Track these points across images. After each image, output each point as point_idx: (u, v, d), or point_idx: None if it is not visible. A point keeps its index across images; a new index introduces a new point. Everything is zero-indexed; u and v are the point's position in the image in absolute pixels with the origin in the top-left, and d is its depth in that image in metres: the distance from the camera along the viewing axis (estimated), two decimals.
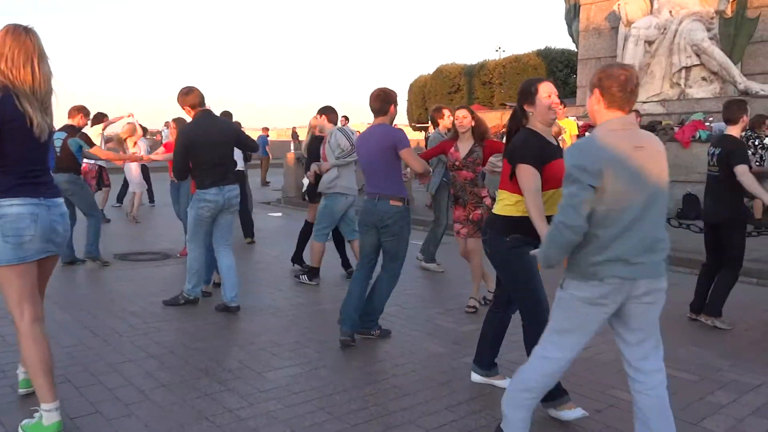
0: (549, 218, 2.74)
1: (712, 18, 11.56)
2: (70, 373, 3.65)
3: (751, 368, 3.90)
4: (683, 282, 5.46)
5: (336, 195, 5.77)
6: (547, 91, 3.11)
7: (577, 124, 10.02)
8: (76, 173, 6.59)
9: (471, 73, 24.96)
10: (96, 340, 4.24)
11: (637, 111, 10.37)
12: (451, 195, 5.40)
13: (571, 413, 3.12)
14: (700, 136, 9.71)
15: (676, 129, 10.31)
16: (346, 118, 14.54)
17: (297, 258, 6.66)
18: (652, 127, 10.50)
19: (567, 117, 9.90)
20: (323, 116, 6.14)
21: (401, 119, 28.95)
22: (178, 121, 7.32)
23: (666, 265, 2.50)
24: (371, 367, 3.85)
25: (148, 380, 3.57)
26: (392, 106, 4.33)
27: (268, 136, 19.07)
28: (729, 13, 11.41)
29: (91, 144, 6.70)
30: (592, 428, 3.08)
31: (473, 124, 5.03)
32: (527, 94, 3.15)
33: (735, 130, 4.74)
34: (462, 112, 5.09)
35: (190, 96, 4.95)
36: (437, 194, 6.60)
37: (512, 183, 3.13)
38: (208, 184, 4.89)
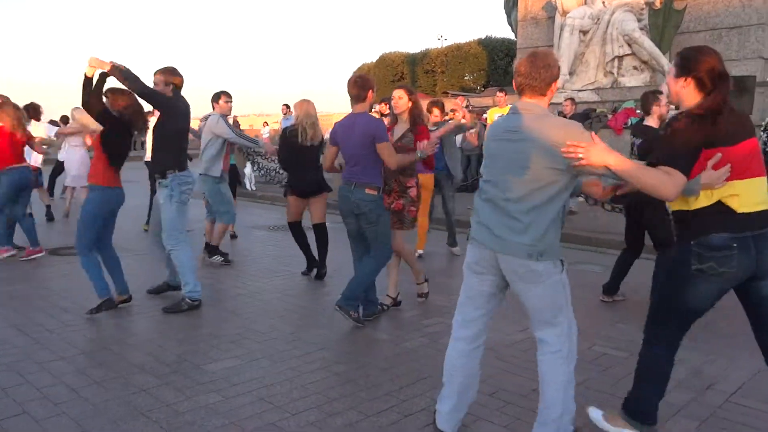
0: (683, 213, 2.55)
1: (642, 9, 12.00)
2: None
3: None
4: (612, 264, 5.67)
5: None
6: None
7: None
8: None
9: (414, 61, 25.08)
10: (24, 339, 4.06)
11: (572, 99, 10.68)
12: None
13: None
14: (631, 123, 10.10)
15: (610, 116, 10.68)
16: (287, 107, 14.36)
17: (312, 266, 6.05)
18: (586, 114, 10.84)
19: (507, 105, 10.11)
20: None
21: (345, 107, 28.81)
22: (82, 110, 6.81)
23: (533, 251, 2.48)
24: (312, 355, 3.84)
25: (80, 378, 3.45)
26: (370, 92, 4.33)
27: None
28: (658, 4, 11.86)
29: None
30: (528, 405, 3.17)
31: (410, 105, 4.74)
32: None
33: (651, 121, 4.85)
34: (398, 93, 4.76)
35: (179, 77, 4.73)
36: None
37: None
38: (185, 165, 4.80)
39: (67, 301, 4.90)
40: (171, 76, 4.69)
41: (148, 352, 3.85)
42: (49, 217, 9.00)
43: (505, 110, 9.72)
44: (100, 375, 3.49)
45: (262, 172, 14.29)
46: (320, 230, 5.83)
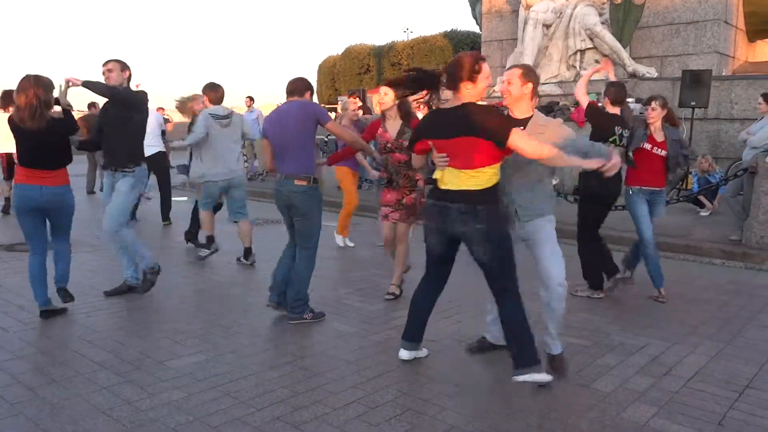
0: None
1: (603, 3, 12.21)
2: None
3: (636, 332, 4.21)
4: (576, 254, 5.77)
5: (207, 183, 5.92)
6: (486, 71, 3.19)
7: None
8: None
9: (380, 53, 25.07)
10: None
11: None
12: (382, 178, 5.04)
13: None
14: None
15: (572, 109, 10.84)
16: (251, 99, 14.16)
17: (191, 236, 6.89)
18: (549, 107, 10.98)
19: None
20: (205, 96, 5.95)
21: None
22: None
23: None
24: (278, 350, 3.81)
25: (38, 377, 3.35)
26: (308, 93, 4.31)
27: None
28: None
29: None
30: (493, 395, 3.20)
31: (396, 101, 4.77)
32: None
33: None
34: (384, 89, 4.82)
35: (129, 70, 4.75)
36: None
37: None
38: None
39: (23, 299, 4.74)
40: (126, 68, 4.72)
41: (109, 349, 3.77)
42: (5, 211, 8.74)
43: None
44: (59, 374, 3.39)
45: None
46: None
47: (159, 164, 8.04)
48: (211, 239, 6.16)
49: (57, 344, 3.85)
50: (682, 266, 6.24)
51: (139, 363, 3.56)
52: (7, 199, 8.87)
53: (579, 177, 5.22)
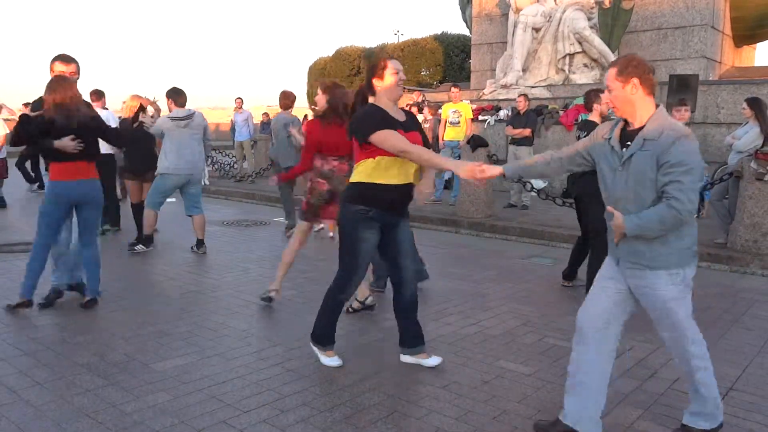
0: (378, 185, 3.28)
1: (592, 8, 12.30)
2: None
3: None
4: (566, 257, 5.80)
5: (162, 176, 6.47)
6: (394, 68, 3.33)
7: (472, 108, 10.34)
8: None
9: (371, 56, 25.05)
10: None
11: (525, 95, 10.83)
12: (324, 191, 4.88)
13: (428, 361, 3.59)
14: (582, 119, 10.34)
15: (561, 113, 10.90)
16: (241, 100, 14.13)
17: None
18: (539, 110, 11.03)
19: (462, 101, 10.17)
20: (169, 100, 6.43)
21: (301, 102, 28.62)
22: None
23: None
24: (265, 352, 3.80)
25: (21, 379, 3.32)
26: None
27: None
28: (607, 3, 12.17)
29: None
30: (480, 398, 3.21)
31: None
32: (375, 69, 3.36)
33: (594, 117, 5.10)
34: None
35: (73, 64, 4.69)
36: None
37: (363, 152, 3.32)
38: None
39: (7, 301, 4.68)
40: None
41: (94, 351, 3.74)
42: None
43: (458, 105, 9.83)
44: (42, 376, 3.36)
45: (216, 166, 14.05)
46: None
47: (108, 166, 7.10)
48: (150, 238, 6.66)
49: (41, 346, 3.81)
50: None
51: (124, 365, 3.53)
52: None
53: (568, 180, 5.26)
